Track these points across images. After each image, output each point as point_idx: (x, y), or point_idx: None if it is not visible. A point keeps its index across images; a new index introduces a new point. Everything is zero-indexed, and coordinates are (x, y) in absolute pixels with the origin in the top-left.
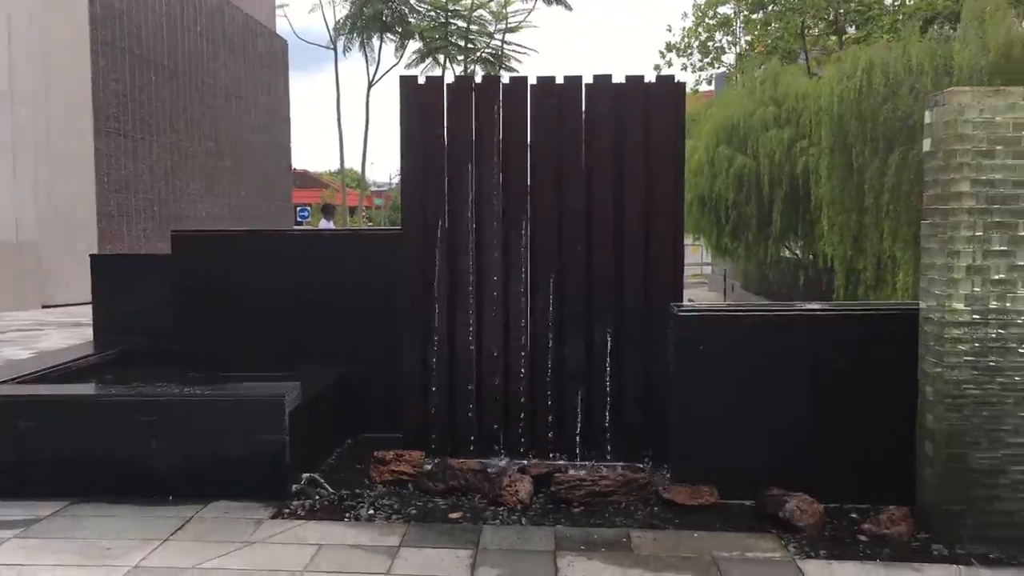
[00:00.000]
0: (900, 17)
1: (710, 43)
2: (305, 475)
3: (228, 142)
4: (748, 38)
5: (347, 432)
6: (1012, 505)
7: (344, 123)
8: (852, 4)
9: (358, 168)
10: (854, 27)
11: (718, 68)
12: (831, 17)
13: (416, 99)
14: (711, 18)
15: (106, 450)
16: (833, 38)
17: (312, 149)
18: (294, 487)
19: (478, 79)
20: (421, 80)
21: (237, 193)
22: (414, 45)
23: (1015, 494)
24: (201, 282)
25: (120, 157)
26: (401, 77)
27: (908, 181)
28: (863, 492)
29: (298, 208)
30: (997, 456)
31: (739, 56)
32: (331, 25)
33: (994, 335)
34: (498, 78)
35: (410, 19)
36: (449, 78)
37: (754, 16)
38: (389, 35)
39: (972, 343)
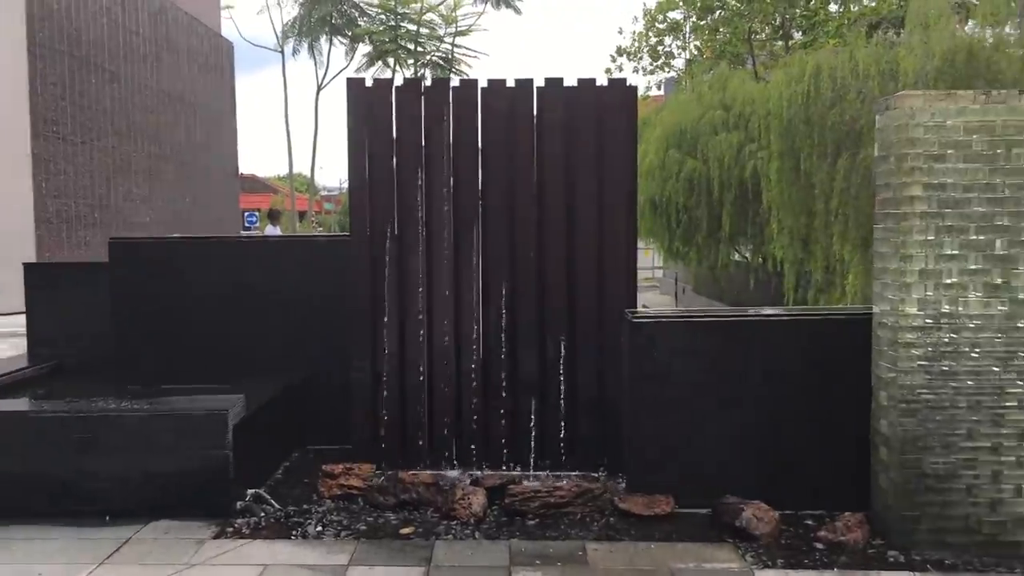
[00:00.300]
0: (845, 22)
1: (660, 48)
2: (250, 491)
3: (172, 146)
4: (697, 43)
5: (294, 445)
6: (966, 510)
7: (294, 127)
8: (798, 10)
9: (308, 172)
10: (800, 32)
11: (668, 73)
12: (778, 22)
13: (364, 101)
14: (661, 23)
15: (39, 468)
16: (780, 43)
17: (261, 153)
18: (238, 504)
19: (428, 81)
20: (369, 82)
21: (182, 199)
22: (364, 48)
23: (969, 499)
24: (140, 291)
25: (59, 162)
26: (348, 79)
27: (856, 185)
28: (818, 498)
29: (246, 213)
30: (951, 461)
31: (688, 61)
32: (279, 28)
33: (947, 339)
34: (447, 80)
35: (360, 22)
36: (399, 81)
37: (702, 22)
38: (339, 38)
39: (925, 347)
